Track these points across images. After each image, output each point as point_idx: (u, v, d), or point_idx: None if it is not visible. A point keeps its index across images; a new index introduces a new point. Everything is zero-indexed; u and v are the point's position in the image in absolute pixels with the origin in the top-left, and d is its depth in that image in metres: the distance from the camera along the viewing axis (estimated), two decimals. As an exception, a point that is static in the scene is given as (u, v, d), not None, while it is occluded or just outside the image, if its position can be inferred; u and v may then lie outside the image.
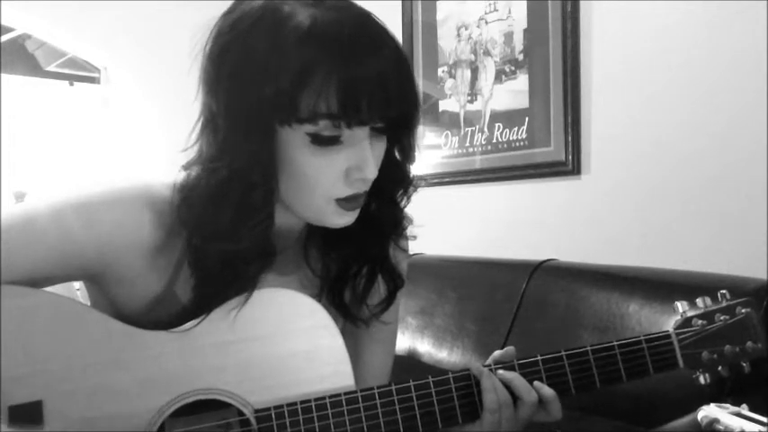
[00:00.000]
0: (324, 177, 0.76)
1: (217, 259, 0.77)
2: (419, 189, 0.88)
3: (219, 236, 0.76)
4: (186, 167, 0.79)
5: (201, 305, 0.79)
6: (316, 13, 0.72)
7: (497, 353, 0.90)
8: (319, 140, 0.74)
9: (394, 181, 0.85)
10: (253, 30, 0.73)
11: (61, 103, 3.25)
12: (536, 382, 0.85)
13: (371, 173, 0.76)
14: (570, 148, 2.02)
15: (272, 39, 0.72)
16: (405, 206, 0.89)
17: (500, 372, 0.86)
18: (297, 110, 0.71)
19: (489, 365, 0.87)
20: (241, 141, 0.73)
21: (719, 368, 0.92)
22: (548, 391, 0.85)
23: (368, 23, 0.75)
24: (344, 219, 0.80)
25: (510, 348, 0.89)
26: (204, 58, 0.77)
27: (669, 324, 0.95)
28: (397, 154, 0.84)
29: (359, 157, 0.76)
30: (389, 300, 0.91)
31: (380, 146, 0.79)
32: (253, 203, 0.75)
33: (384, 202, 0.86)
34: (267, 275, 0.83)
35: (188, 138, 0.79)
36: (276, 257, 0.82)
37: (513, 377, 0.85)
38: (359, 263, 0.89)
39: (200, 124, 0.79)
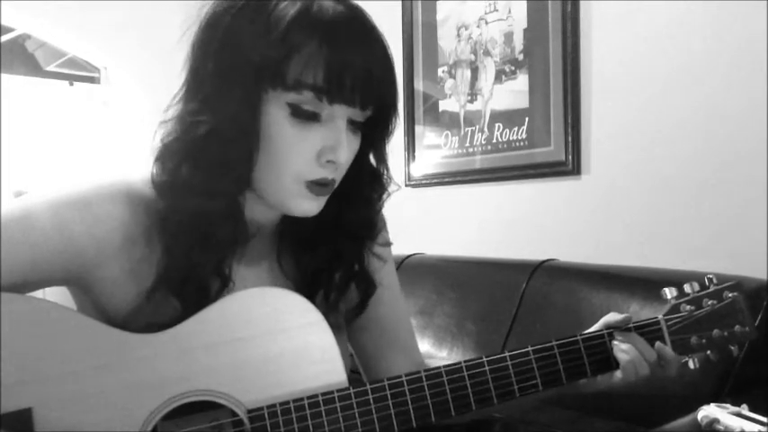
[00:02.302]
0: (296, 153, 0.77)
1: (188, 225, 0.77)
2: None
3: (192, 191, 0.76)
4: (163, 124, 0.80)
5: (181, 296, 0.79)
6: (308, 2, 0.75)
7: (611, 317, 0.93)
8: (299, 113, 0.75)
9: (367, 184, 0.87)
10: (249, 1, 0.76)
11: (61, 103, 3.25)
12: (658, 343, 0.91)
13: (343, 156, 0.78)
14: (570, 148, 2.02)
15: (268, 8, 0.75)
16: (379, 210, 0.90)
17: (620, 337, 0.91)
18: (283, 76, 0.73)
19: (602, 330, 0.92)
20: (224, 100, 0.75)
21: (708, 352, 0.93)
22: (668, 351, 0.91)
23: (360, 16, 0.78)
24: (310, 204, 0.80)
25: (627, 315, 0.93)
26: (198, 28, 0.79)
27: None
28: (371, 158, 0.86)
29: (333, 139, 0.77)
30: (361, 307, 0.92)
31: (355, 141, 0.81)
32: (229, 160, 0.76)
33: (358, 204, 0.87)
34: (242, 279, 0.83)
35: (169, 102, 0.80)
36: (249, 242, 0.83)
37: (636, 339, 0.91)
38: (332, 268, 0.90)
39: (182, 89, 0.80)
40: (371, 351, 0.98)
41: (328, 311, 0.87)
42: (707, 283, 0.95)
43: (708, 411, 0.79)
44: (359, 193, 0.87)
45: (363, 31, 0.77)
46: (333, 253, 0.89)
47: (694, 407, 0.81)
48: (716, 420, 0.77)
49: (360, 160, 0.84)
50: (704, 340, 0.92)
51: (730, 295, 0.94)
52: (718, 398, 0.87)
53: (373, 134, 0.83)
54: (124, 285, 0.80)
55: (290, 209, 0.81)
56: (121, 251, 0.79)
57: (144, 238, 0.79)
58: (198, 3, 0.81)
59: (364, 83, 0.75)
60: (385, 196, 0.89)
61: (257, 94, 0.75)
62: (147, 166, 0.81)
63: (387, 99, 0.79)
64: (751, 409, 0.77)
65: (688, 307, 0.93)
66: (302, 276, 0.89)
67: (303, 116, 0.76)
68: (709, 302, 0.93)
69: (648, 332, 0.92)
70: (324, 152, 0.78)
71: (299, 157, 0.77)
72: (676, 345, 0.92)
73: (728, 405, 0.78)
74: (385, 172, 0.88)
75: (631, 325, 0.92)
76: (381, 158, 0.87)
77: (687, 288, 0.95)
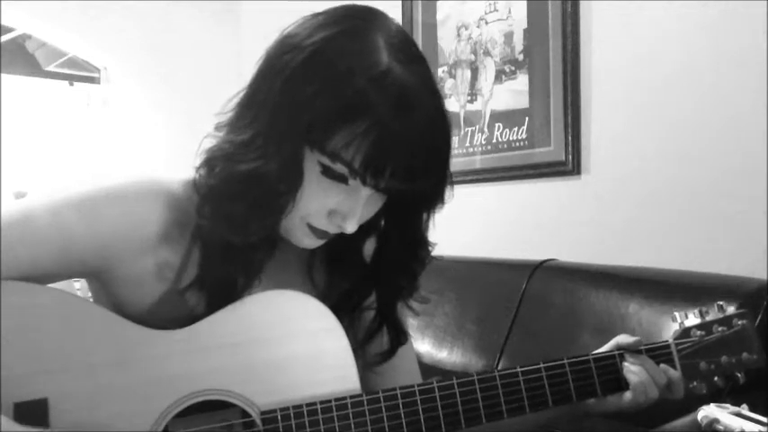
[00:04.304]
0: (312, 203, 0.76)
1: (224, 242, 0.78)
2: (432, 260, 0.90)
3: (228, 222, 0.76)
4: (217, 129, 0.79)
5: (206, 293, 0.80)
6: (394, 65, 0.72)
7: (622, 339, 0.94)
8: (328, 173, 0.75)
9: (410, 247, 0.86)
10: (336, 38, 0.73)
11: (61, 103, 3.25)
12: (662, 365, 0.92)
13: (352, 227, 0.77)
14: (570, 149, 2.02)
15: (348, 57, 0.71)
16: (418, 272, 0.90)
17: (630, 359, 0.92)
18: (325, 141, 0.72)
19: (613, 351, 0.92)
20: (274, 148, 0.73)
21: (716, 378, 0.94)
22: (674, 373, 0.92)
23: (431, 100, 0.74)
24: (311, 241, 0.81)
25: (638, 338, 0.94)
26: (278, 41, 0.77)
27: (668, 326, 0.96)
28: (413, 225, 0.85)
29: (349, 208, 0.77)
30: (390, 353, 0.92)
31: (378, 203, 0.80)
32: (272, 206, 0.76)
33: (396, 267, 0.88)
34: (266, 285, 0.83)
35: (225, 103, 0.79)
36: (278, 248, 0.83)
37: (644, 360, 0.92)
38: (360, 296, 0.90)
39: (242, 96, 0.78)
40: (376, 376, 0.98)
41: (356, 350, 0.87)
42: (717, 309, 0.97)
43: (708, 411, 0.79)
44: (399, 258, 0.87)
45: (424, 119, 0.72)
46: (360, 285, 0.90)
47: (694, 407, 0.82)
48: (716, 420, 0.77)
49: (403, 222, 0.84)
50: (713, 366, 0.94)
51: (740, 323, 0.96)
52: (718, 398, 0.87)
53: (414, 203, 0.82)
54: (147, 281, 0.80)
55: (292, 240, 0.81)
56: (151, 248, 0.79)
57: (174, 237, 0.80)
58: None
59: (403, 176, 0.73)
60: (427, 260, 0.89)
61: (302, 149, 0.74)
62: (189, 167, 0.81)
63: (426, 187, 0.77)
64: (751, 409, 0.77)
65: (698, 332, 0.95)
66: (330, 292, 0.90)
67: (332, 176, 0.75)
68: (719, 329, 0.95)
69: (659, 355, 0.93)
70: (335, 214, 0.78)
71: (313, 207, 0.77)
72: (686, 369, 0.93)
73: (728, 405, 0.79)
74: (424, 244, 0.87)
75: (642, 347, 0.93)
76: (418, 228, 0.85)
77: (696, 312, 0.97)
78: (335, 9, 0.77)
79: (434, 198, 0.81)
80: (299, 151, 0.73)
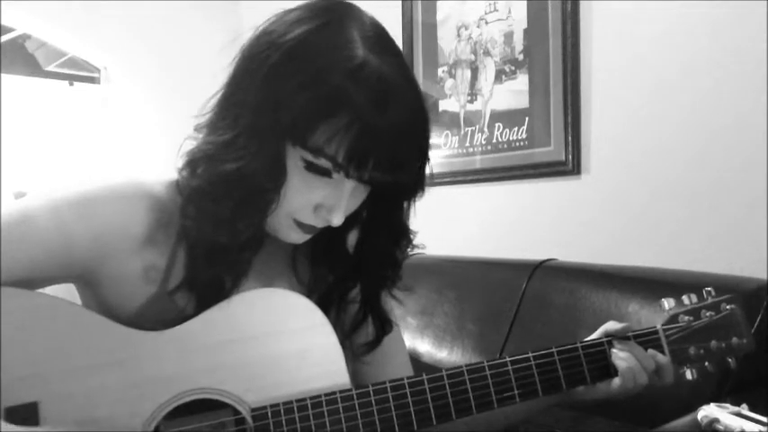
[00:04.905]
0: (297, 198, 0.77)
1: (208, 245, 0.78)
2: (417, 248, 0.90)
3: (215, 222, 0.76)
4: (197, 130, 0.79)
5: (195, 294, 0.80)
6: (370, 57, 0.72)
7: (610, 326, 0.94)
8: (312, 168, 0.75)
9: (392, 236, 0.87)
10: (312, 33, 0.73)
11: (61, 103, 3.25)
12: (650, 350, 0.92)
13: (338, 220, 0.78)
14: (570, 148, 2.02)
15: (324, 53, 0.72)
16: (401, 261, 0.90)
17: (619, 345, 0.92)
18: (307, 137, 0.72)
19: (601, 338, 0.93)
20: (256, 148, 0.74)
21: (706, 363, 0.94)
22: (663, 358, 0.92)
23: (408, 90, 0.75)
24: (298, 236, 0.82)
25: (626, 324, 0.94)
26: (254, 38, 0.77)
27: (666, 324, 0.96)
28: (395, 216, 0.86)
29: (335, 201, 0.77)
30: (376, 343, 0.93)
31: (362, 194, 0.81)
32: (257, 205, 0.76)
33: (379, 256, 0.89)
34: (253, 282, 0.84)
35: (203, 104, 0.79)
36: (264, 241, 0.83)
37: (633, 346, 0.92)
38: (345, 287, 0.91)
39: (220, 96, 0.79)
40: (367, 367, 0.99)
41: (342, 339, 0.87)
42: (705, 296, 0.97)
43: (708, 411, 0.79)
44: (382, 245, 0.88)
45: (402, 111, 0.73)
46: (346, 275, 0.90)
47: (694, 407, 0.82)
48: (716, 420, 0.77)
49: (386, 213, 0.85)
50: (702, 351, 0.93)
51: (728, 307, 0.95)
52: (718, 398, 0.87)
53: (399, 194, 0.83)
54: (135, 284, 0.80)
55: (279, 236, 0.82)
56: (138, 248, 0.80)
57: (159, 239, 0.80)
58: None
59: (386, 167, 0.74)
60: (409, 249, 0.89)
61: (284, 146, 0.74)
62: (170, 168, 0.81)
63: (408, 177, 0.78)
64: (751, 409, 0.77)
65: (686, 318, 0.94)
66: (316, 285, 0.90)
67: (315, 171, 0.75)
68: (708, 314, 0.95)
69: (647, 341, 0.93)
70: (321, 208, 0.78)
71: (298, 203, 0.78)
72: (675, 354, 0.93)
73: (728, 405, 0.79)
74: (406, 232, 0.88)
75: (630, 334, 0.93)
76: (406, 213, 0.86)
77: (685, 299, 0.96)
78: (310, 3, 0.78)
79: (415, 187, 0.82)
80: (282, 148, 0.74)
